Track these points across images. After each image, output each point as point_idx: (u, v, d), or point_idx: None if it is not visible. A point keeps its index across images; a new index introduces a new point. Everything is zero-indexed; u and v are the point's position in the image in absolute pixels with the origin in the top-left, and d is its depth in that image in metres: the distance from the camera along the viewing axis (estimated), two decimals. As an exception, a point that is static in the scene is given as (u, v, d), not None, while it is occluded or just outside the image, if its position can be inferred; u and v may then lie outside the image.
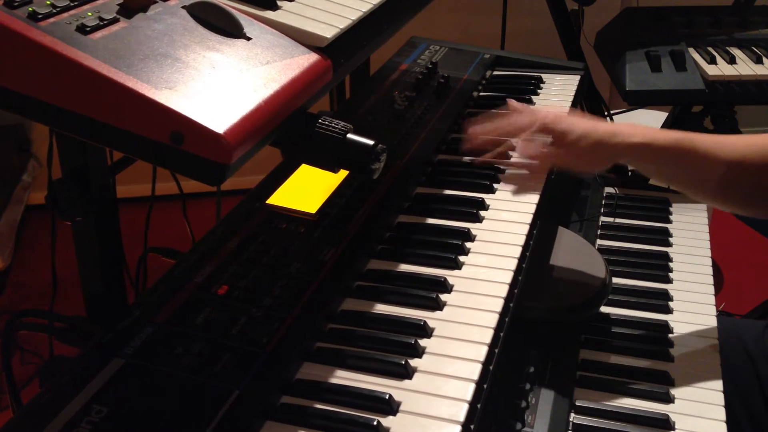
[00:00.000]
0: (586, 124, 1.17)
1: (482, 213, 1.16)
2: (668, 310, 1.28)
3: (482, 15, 3.01)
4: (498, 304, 0.96)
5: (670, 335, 1.22)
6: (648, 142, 1.13)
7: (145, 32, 0.74)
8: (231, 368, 0.82)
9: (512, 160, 1.28)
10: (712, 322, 1.25)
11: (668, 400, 1.10)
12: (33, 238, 2.74)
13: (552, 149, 1.20)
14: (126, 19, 0.74)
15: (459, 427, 0.78)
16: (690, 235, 1.49)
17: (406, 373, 0.85)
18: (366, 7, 0.97)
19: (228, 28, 0.81)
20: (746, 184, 1.12)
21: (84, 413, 0.75)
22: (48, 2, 0.70)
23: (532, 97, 1.56)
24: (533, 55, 1.75)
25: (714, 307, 1.29)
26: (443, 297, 0.98)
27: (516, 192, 1.21)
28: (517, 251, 1.07)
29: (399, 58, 1.65)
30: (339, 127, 0.83)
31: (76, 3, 0.72)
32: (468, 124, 1.29)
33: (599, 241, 1.47)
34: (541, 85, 1.62)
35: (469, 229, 1.11)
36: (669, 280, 1.36)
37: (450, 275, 1.01)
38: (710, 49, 1.93)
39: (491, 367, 0.88)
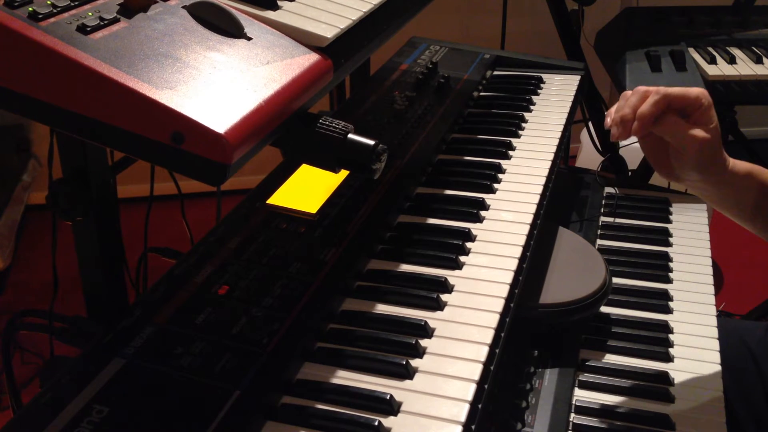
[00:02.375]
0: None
1: (483, 213, 1.16)
2: (668, 310, 1.28)
3: (482, 15, 3.01)
4: (499, 305, 0.96)
5: (670, 335, 1.22)
6: (737, 167, 1.13)
7: (145, 32, 0.74)
8: (231, 368, 0.81)
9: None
10: (712, 322, 1.25)
11: (668, 399, 1.10)
12: (33, 238, 2.74)
13: (692, 126, 1.09)
14: (126, 19, 0.74)
15: (460, 428, 0.78)
16: (690, 235, 1.49)
17: (407, 373, 0.85)
18: (366, 7, 0.97)
19: (228, 28, 0.81)
20: None
21: (85, 413, 0.75)
22: (48, 2, 0.70)
23: (533, 97, 1.56)
24: (533, 55, 1.75)
25: (714, 307, 1.29)
26: (444, 297, 0.98)
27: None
28: (518, 251, 1.07)
29: (399, 58, 1.65)
30: (340, 127, 0.83)
31: (76, 3, 0.72)
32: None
33: (599, 241, 1.47)
34: (541, 85, 1.62)
35: (469, 229, 1.11)
36: (669, 280, 1.36)
37: (451, 275, 1.01)
38: (710, 49, 1.93)
39: (492, 368, 0.88)
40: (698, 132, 1.08)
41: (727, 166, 1.12)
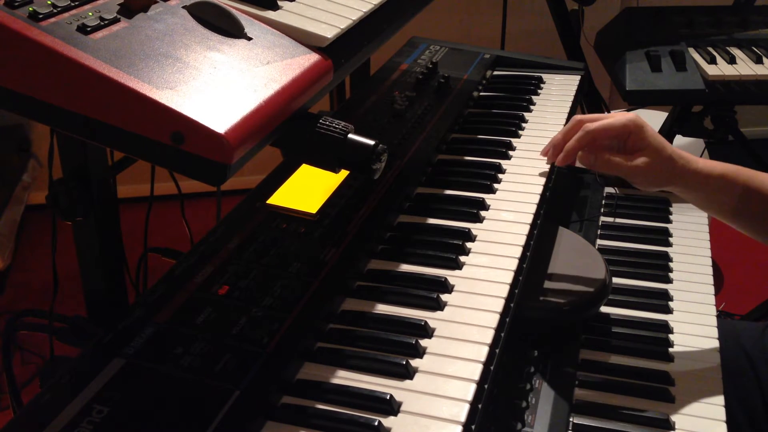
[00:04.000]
0: (660, 138, 1.16)
1: (483, 213, 1.16)
2: (668, 310, 1.28)
3: (482, 15, 3.01)
4: (499, 305, 0.96)
5: (670, 335, 1.22)
6: (708, 169, 1.15)
7: (145, 32, 0.74)
8: (232, 368, 0.82)
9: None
10: (712, 322, 1.25)
11: (668, 399, 1.10)
12: (33, 238, 2.74)
13: (617, 157, 1.16)
14: (127, 19, 0.74)
15: (460, 428, 0.78)
16: (690, 235, 1.48)
17: (407, 373, 0.85)
18: (366, 7, 0.97)
19: (229, 28, 0.81)
20: None
21: (85, 413, 0.75)
22: (49, 2, 0.70)
23: (533, 97, 1.56)
24: (533, 55, 1.75)
25: (714, 307, 1.29)
26: (444, 297, 0.98)
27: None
28: (518, 251, 1.07)
29: (399, 58, 1.65)
30: (340, 127, 0.83)
31: (76, 3, 0.72)
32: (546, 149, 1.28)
33: (599, 241, 1.47)
34: (541, 85, 1.62)
35: (469, 229, 1.11)
36: (669, 280, 1.36)
37: (451, 275, 1.01)
38: (710, 49, 1.93)
39: (492, 368, 0.88)
40: (631, 163, 1.14)
41: (686, 173, 1.15)
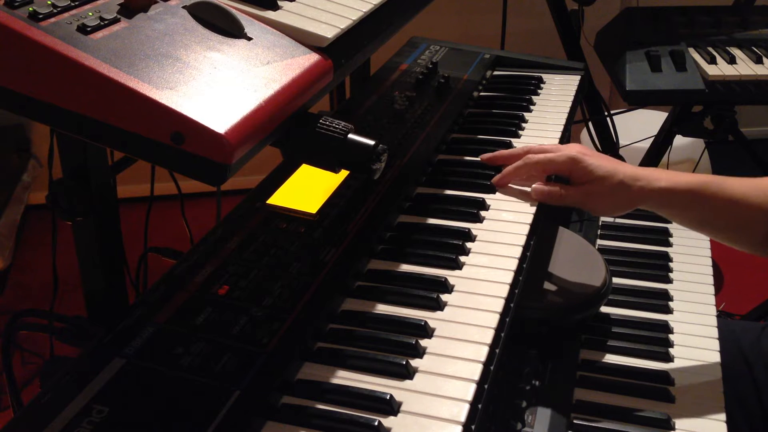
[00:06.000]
0: (608, 165, 1.12)
1: (483, 213, 1.16)
2: (668, 310, 1.28)
3: (482, 15, 3.01)
4: (499, 305, 0.96)
5: (670, 335, 1.22)
6: (671, 186, 1.10)
7: (145, 32, 0.74)
8: (232, 368, 0.82)
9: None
10: (712, 322, 1.25)
11: (668, 399, 1.10)
12: (33, 238, 2.74)
13: (569, 189, 1.15)
14: (127, 19, 0.75)
15: (460, 428, 0.78)
16: (690, 235, 1.49)
17: (407, 373, 0.85)
18: (366, 7, 0.97)
19: (229, 28, 0.81)
20: None
21: (85, 413, 0.75)
22: (49, 2, 0.70)
23: (533, 97, 1.56)
24: (533, 55, 1.75)
25: (714, 307, 1.29)
26: (444, 297, 0.98)
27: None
28: (518, 251, 1.07)
29: (399, 58, 1.65)
30: (340, 127, 0.83)
31: (77, 3, 0.72)
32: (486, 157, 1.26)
33: (599, 241, 1.47)
34: (541, 85, 1.62)
35: (469, 229, 1.11)
36: (669, 280, 1.36)
37: (451, 275, 1.01)
38: (710, 49, 1.93)
39: (492, 368, 0.88)
40: (581, 196, 1.13)
41: (646, 195, 1.10)
